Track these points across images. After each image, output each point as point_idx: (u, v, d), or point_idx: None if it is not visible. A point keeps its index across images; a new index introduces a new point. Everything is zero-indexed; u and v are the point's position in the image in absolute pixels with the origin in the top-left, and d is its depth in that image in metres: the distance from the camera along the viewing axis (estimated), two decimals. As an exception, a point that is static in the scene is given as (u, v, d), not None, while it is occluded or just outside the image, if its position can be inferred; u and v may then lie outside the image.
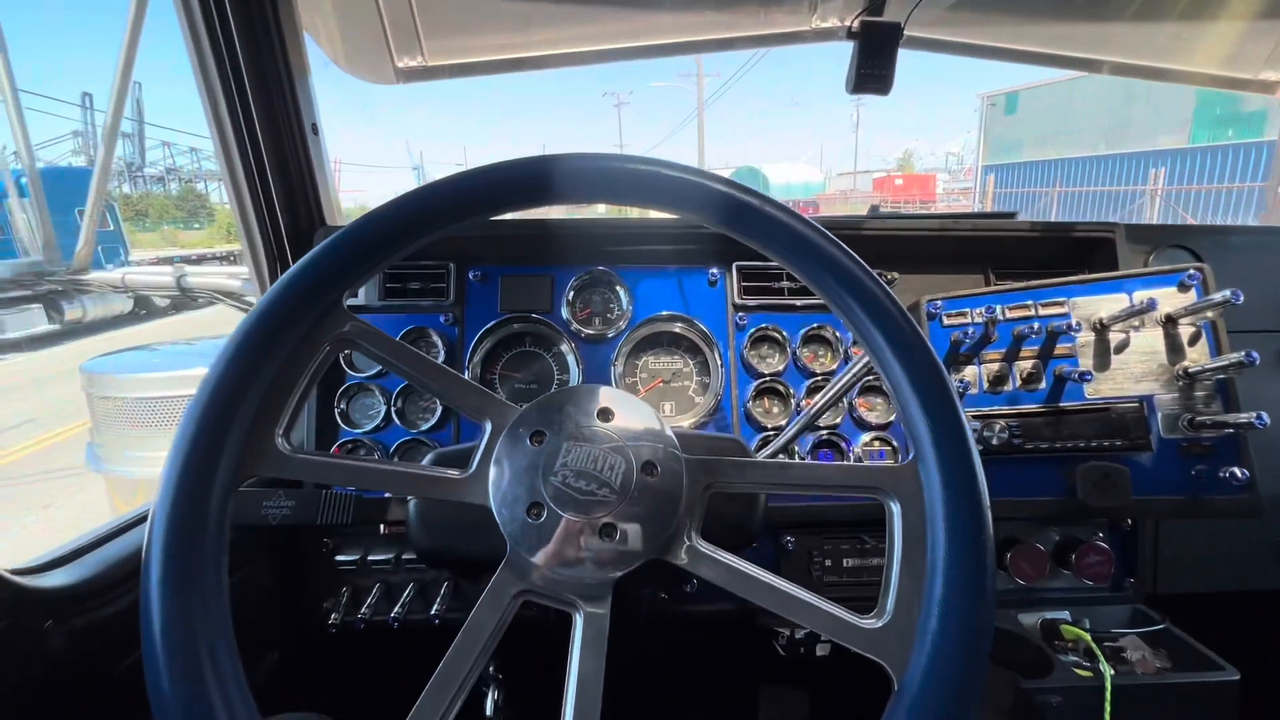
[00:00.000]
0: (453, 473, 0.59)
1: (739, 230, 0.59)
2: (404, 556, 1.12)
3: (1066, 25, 1.51)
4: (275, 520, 0.64)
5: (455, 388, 0.61)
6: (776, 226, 0.57)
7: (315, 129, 1.16)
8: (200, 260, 14.40)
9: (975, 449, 0.52)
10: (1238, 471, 0.96)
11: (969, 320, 1.13)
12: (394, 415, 1.16)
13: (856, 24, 1.36)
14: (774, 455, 0.80)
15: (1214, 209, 16.71)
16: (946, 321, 1.15)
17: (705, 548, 0.56)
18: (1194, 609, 1.25)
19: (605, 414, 0.60)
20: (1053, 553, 1.18)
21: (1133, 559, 1.19)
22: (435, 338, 1.17)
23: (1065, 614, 1.18)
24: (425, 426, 1.16)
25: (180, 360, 2.74)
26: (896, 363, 0.54)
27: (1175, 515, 1.14)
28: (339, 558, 1.11)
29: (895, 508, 0.54)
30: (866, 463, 0.57)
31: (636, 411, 0.61)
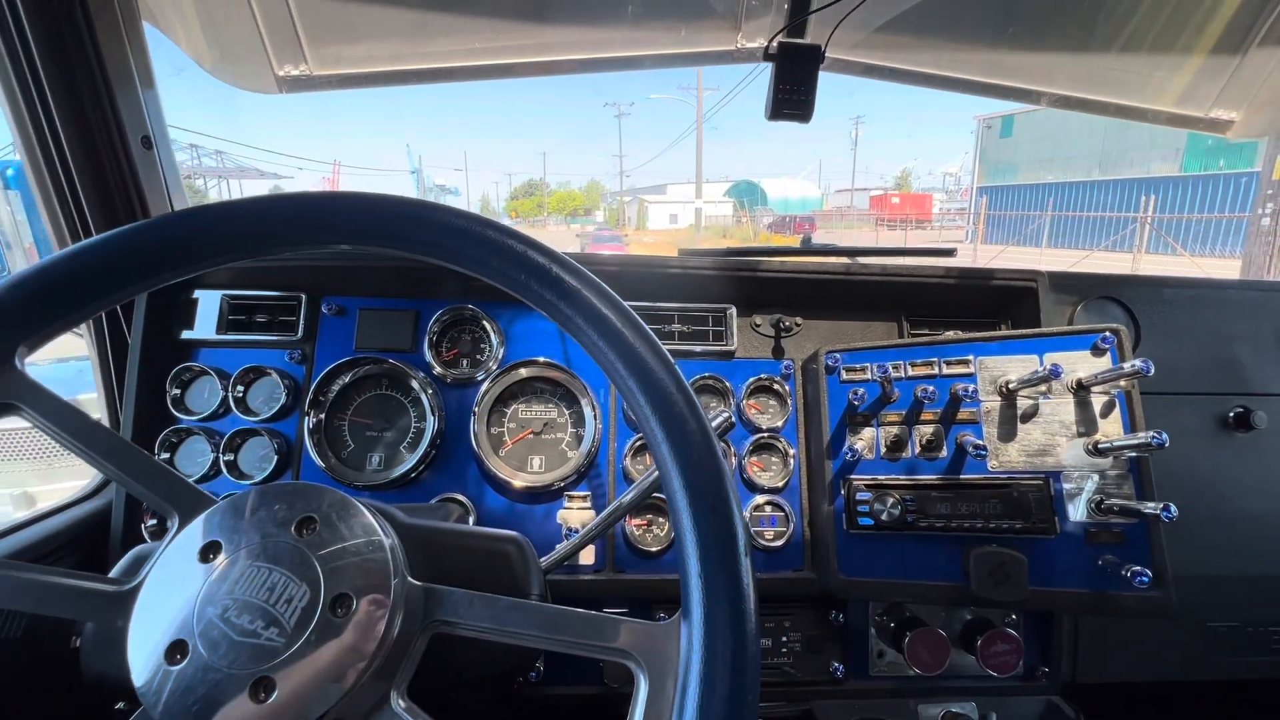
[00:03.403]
0: (103, 585, 0.47)
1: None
2: None
3: (1004, 54, 1.42)
4: None
5: (138, 469, 0.50)
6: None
7: (148, 142, 1.03)
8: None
9: (756, 635, 0.40)
10: (1143, 570, 0.84)
11: (869, 376, 1.01)
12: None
13: (774, 45, 1.26)
14: (554, 565, 0.67)
15: (1203, 239, 16.79)
16: (845, 377, 1.03)
17: (406, 713, 0.44)
18: (1116, 700, 1.14)
19: (306, 524, 0.48)
20: (961, 633, 1.06)
21: (1047, 645, 1.07)
22: (276, 377, 1.05)
23: (972, 705, 1.06)
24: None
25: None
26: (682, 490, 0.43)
27: (1076, 611, 1.02)
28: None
29: (643, 683, 0.42)
30: (629, 620, 0.44)
31: (353, 521, 0.48)
